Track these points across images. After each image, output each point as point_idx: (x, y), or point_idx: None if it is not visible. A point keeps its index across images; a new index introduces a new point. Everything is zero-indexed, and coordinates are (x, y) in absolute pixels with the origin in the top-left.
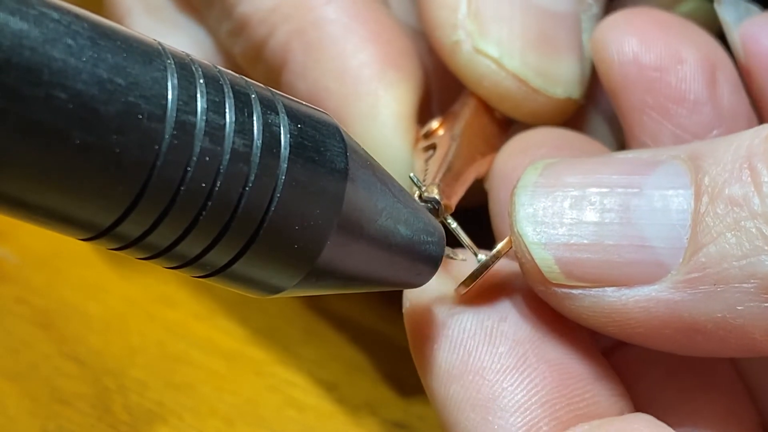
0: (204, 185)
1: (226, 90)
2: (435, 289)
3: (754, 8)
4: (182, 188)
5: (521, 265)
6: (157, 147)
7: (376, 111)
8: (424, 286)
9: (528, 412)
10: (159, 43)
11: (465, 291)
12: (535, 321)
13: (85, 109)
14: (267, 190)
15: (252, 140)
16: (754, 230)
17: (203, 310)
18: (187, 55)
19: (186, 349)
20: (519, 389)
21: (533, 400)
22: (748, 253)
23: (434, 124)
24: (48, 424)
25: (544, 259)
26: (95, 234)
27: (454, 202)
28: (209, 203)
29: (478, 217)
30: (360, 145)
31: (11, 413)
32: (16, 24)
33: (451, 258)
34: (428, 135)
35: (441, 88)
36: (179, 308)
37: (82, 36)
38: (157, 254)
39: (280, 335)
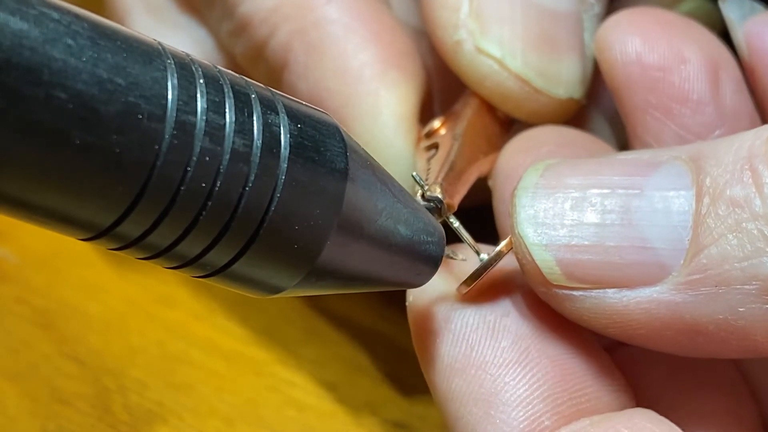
0: (204, 185)
1: (226, 90)
2: (437, 288)
3: (759, 6)
4: (182, 188)
5: (522, 266)
6: (157, 147)
7: (378, 111)
8: (425, 285)
9: (530, 406)
10: (159, 43)
11: (466, 290)
12: (538, 317)
13: (85, 109)
14: (267, 190)
15: (252, 140)
16: (755, 232)
17: (203, 310)
18: (187, 55)
19: (186, 349)
20: (521, 384)
21: (535, 395)
22: (750, 254)
23: (436, 123)
24: (48, 424)
25: (545, 260)
26: (95, 234)
27: (456, 201)
28: (209, 203)
29: (480, 216)
30: (360, 145)
31: (11, 413)
32: (16, 24)
33: (451, 258)
34: (430, 134)
35: (442, 87)
36: (179, 308)
37: (82, 36)
38: (157, 254)
39: (280, 335)
